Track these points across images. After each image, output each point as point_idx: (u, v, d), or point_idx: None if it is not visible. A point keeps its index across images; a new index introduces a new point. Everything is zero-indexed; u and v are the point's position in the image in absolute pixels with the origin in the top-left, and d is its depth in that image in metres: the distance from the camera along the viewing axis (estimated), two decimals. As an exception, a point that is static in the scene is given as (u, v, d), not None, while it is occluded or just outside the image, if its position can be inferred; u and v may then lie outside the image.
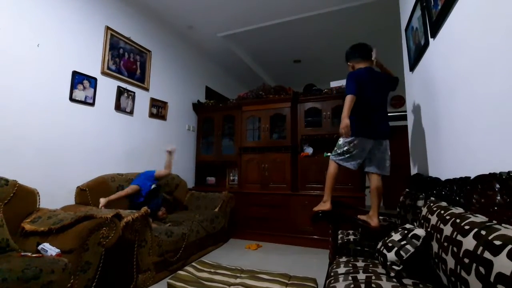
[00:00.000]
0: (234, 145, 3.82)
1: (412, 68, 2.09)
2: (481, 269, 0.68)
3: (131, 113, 2.89)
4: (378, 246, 1.29)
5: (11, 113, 1.88)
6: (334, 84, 3.35)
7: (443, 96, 1.49)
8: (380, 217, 2.18)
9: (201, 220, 2.66)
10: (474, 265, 0.72)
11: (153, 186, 2.52)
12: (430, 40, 1.63)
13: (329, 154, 3.17)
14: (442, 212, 1.07)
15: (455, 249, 0.84)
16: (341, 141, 1.75)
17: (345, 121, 1.61)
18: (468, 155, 1.21)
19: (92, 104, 2.46)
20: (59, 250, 1.42)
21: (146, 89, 3.10)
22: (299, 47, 4.15)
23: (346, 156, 1.73)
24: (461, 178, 1.18)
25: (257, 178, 3.42)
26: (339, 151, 1.75)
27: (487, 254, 0.68)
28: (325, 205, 1.75)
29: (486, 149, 1.06)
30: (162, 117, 3.37)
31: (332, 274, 1.26)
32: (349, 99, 1.64)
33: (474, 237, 0.76)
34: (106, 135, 2.61)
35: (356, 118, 1.67)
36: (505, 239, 0.66)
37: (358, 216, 1.79)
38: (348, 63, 1.92)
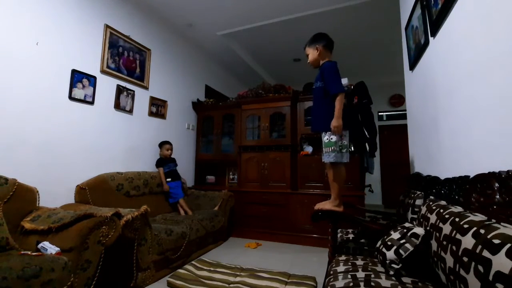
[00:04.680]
0: (233, 143, 3.82)
1: (412, 67, 2.09)
2: (480, 268, 0.69)
3: (130, 111, 2.89)
4: (378, 245, 1.29)
5: (10, 112, 1.87)
6: (334, 83, 3.34)
7: (443, 95, 1.49)
8: (379, 216, 2.19)
9: (201, 218, 2.66)
10: (473, 263, 0.72)
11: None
12: (430, 39, 1.63)
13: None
14: (441, 211, 1.07)
15: (454, 247, 0.84)
16: (333, 138, 1.68)
17: (340, 121, 1.63)
18: (468, 154, 1.21)
19: (92, 103, 2.45)
20: (59, 249, 1.42)
21: (146, 88, 3.10)
22: (299, 45, 4.09)
23: (344, 151, 1.72)
24: (460, 177, 1.18)
25: (256, 176, 3.42)
26: (337, 149, 1.69)
27: (486, 253, 0.68)
28: (339, 208, 1.74)
29: (486, 148, 1.06)
30: (162, 115, 3.36)
31: (331, 272, 1.26)
32: (342, 98, 1.64)
33: (473, 235, 0.77)
34: (106, 133, 2.60)
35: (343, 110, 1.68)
36: (504, 238, 0.66)
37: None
38: (317, 46, 1.75)
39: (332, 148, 1.70)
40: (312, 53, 1.79)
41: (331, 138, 1.70)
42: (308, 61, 1.84)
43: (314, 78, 1.87)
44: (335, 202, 1.75)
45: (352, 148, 3.04)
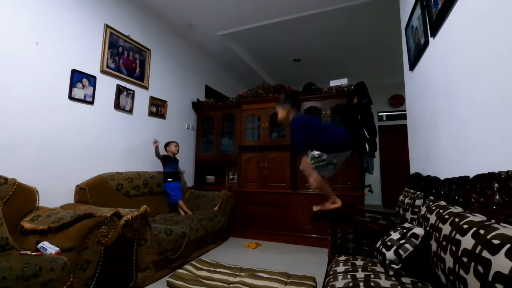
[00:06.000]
0: (233, 143, 3.82)
1: (412, 67, 2.09)
2: (480, 268, 0.69)
3: (130, 111, 2.89)
4: (377, 245, 1.29)
5: (10, 112, 1.87)
6: (333, 83, 3.34)
7: (442, 95, 1.49)
8: (379, 216, 2.19)
9: (201, 218, 2.66)
10: (473, 264, 0.72)
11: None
12: (430, 39, 1.63)
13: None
14: (441, 211, 1.07)
15: (453, 248, 0.84)
16: (315, 154, 1.80)
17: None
18: (467, 154, 1.21)
19: (92, 103, 2.45)
20: (58, 249, 1.42)
21: (146, 88, 3.10)
22: (299, 46, 4.14)
23: (321, 164, 1.81)
24: (460, 177, 1.18)
25: (256, 177, 3.42)
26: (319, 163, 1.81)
27: (485, 253, 0.68)
28: (337, 204, 1.77)
29: (485, 149, 1.06)
30: (162, 115, 3.36)
31: (331, 272, 1.26)
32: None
33: (473, 236, 0.77)
34: (106, 133, 2.60)
35: None
36: (504, 238, 0.66)
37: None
38: (285, 107, 1.97)
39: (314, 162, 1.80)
40: (281, 112, 1.99)
41: (315, 154, 1.80)
42: (278, 118, 2.03)
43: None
44: (331, 200, 1.79)
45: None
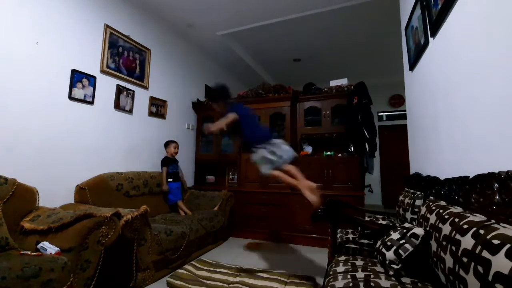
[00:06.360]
0: (233, 143, 3.82)
1: (412, 67, 2.09)
2: (480, 268, 0.69)
3: (130, 111, 2.89)
4: (377, 245, 1.29)
5: (10, 112, 1.87)
6: (333, 83, 3.35)
7: (442, 95, 1.49)
8: (379, 216, 2.19)
9: (201, 218, 2.66)
10: (473, 264, 0.72)
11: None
12: (430, 39, 1.63)
13: (328, 153, 3.19)
14: (441, 211, 1.07)
15: (453, 248, 0.84)
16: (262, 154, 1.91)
17: (213, 128, 2.02)
18: (467, 154, 1.21)
19: (92, 103, 2.45)
20: (58, 249, 1.43)
21: (146, 88, 3.10)
22: (299, 46, 4.14)
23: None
24: (460, 177, 1.18)
25: (256, 177, 3.41)
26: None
27: (485, 253, 0.68)
28: (307, 184, 1.75)
29: (485, 149, 1.06)
30: (162, 115, 3.36)
31: (331, 272, 1.26)
32: (229, 116, 2.02)
33: (473, 236, 0.77)
34: (106, 133, 2.60)
35: None
36: (504, 238, 0.66)
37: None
38: (219, 103, 2.24)
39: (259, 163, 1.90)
40: (217, 108, 2.29)
41: (254, 157, 1.92)
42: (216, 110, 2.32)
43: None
44: (304, 187, 1.77)
45: (352, 148, 3.06)
